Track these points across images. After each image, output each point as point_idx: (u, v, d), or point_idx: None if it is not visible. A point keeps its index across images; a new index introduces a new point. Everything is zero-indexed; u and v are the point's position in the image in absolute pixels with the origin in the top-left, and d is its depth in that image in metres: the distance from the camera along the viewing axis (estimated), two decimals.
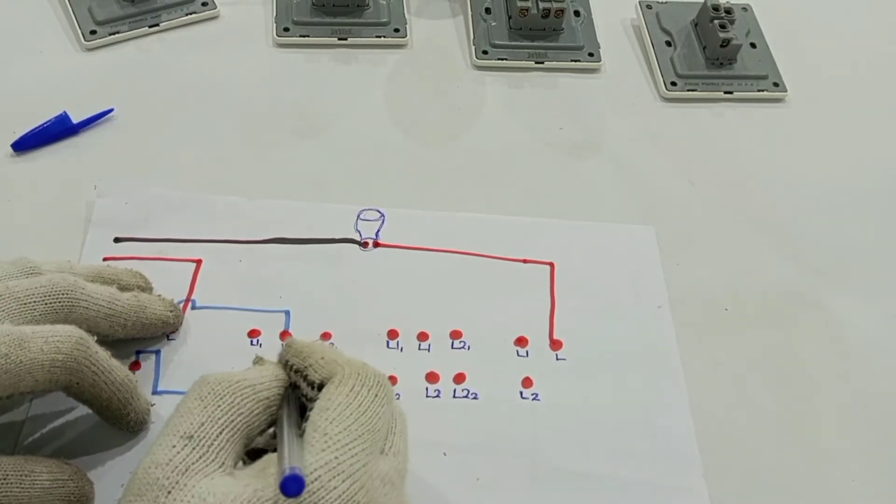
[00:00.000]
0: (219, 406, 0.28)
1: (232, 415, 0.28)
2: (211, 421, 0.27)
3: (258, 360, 0.33)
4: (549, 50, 0.55)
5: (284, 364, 0.31)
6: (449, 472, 0.37)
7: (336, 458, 0.27)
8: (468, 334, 0.41)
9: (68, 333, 0.31)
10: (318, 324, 0.41)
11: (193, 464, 0.26)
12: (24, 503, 0.30)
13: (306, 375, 0.30)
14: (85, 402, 0.34)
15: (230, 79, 0.51)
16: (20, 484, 0.30)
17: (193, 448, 0.26)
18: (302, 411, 0.30)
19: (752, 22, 0.59)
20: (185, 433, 0.27)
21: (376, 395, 0.29)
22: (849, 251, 0.48)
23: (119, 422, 0.35)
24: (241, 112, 0.50)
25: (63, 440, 0.36)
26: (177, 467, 0.26)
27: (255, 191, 0.46)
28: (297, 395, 0.31)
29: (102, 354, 0.33)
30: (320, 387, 0.30)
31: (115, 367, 0.33)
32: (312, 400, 0.30)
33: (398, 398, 0.39)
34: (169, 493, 0.25)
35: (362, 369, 0.30)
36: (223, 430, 0.27)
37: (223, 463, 0.27)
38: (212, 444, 0.27)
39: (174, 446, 0.26)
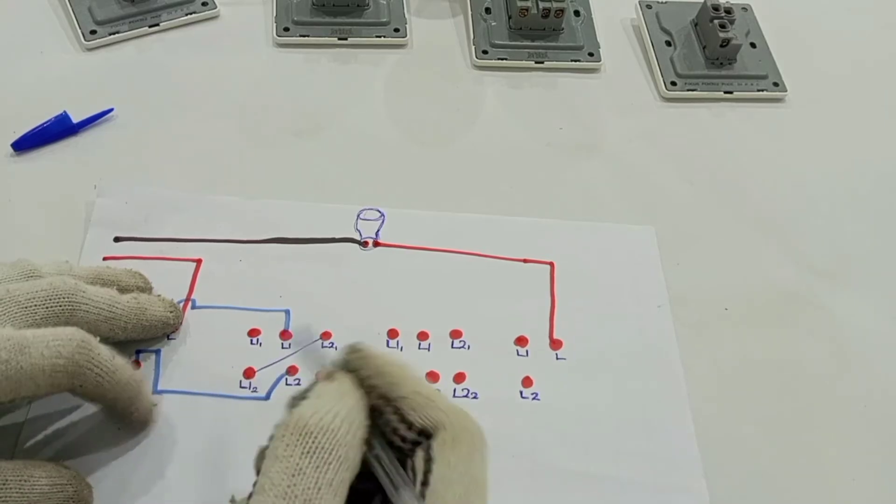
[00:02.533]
0: (329, 465, 0.24)
1: (342, 472, 0.25)
2: (326, 485, 0.24)
3: (329, 376, 0.27)
4: (549, 50, 0.55)
5: (359, 379, 0.27)
6: None
7: None
8: (468, 334, 0.41)
9: (69, 337, 0.31)
10: (318, 323, 0.41)
11: None
12: None
13: (400, 410, 0.26)
14: (91, 402, 0.34)
15: (230, 79, 0.51)
16: (20, 489, 0.30)
17: None
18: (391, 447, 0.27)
19: (752, 22, 0.59)
20: (279, 493, 0.24)
21: (483, 459, 0.26)
22: (849, 251, 0.48)
23: (123, 420, 0.35)
24: (241, 112, 0.50)
25: (62, 442, 0.36)
26: None
27: (255, 191, 0.46)
28: (380, 425, 0.27)
29: (106, 355, 0.32)
30: (420, 431, 0.26)
31: (119, 367, 0.33)
32: (407, 441, 0.26)
33: None
34: None
35: (469, 424, 0.27)
36: (336, 492, 0.24)
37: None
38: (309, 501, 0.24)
39: None
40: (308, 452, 0.24)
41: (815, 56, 0.59)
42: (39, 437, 0.36)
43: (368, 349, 0.28)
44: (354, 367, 0.27)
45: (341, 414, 0.26)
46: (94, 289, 0.35)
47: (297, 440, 0.25)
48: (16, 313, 0.32)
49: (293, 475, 0.24)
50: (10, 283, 0.33)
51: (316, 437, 0.25)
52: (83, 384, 0.32)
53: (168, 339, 0.39)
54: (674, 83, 0.54)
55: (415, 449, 0.26)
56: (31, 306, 0.32)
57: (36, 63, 0.50)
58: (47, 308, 0.33)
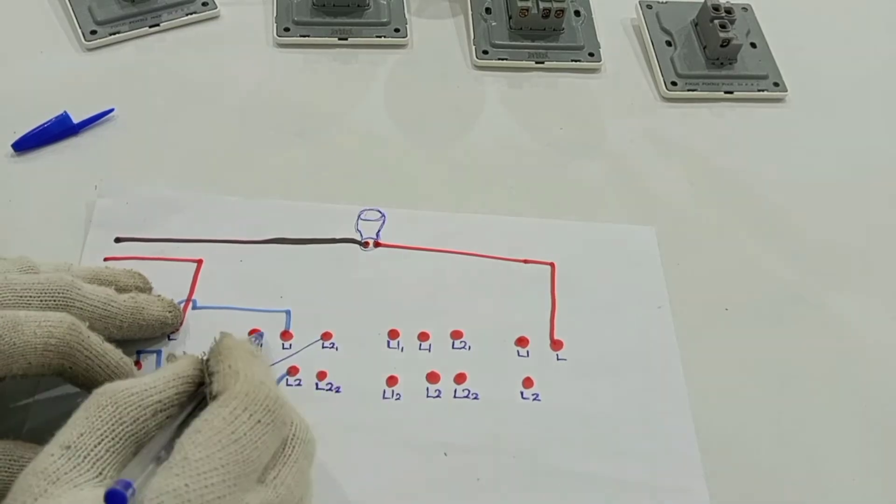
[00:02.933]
0: (100, 417, 0.28)
1: (113, 425, 0.28)
2: (90, 431, 0.28)
3: (169, 357, 0.33)
4: (550, 50, 0.55)
5: (207, 360, 0.31)
6: (449, 472, 0.37)
7: (186, 485, 0.26)
8: (469, 334, 0.41)
9: (60, 319, 0.32)
10: (319, 324, 0.41)
11: (65, 473, 0.26)
12: (10, 487, 0.30)
13: (211, 382, 0.30)
14: (81, 387, 0.34)
15: (230, 79, 0.51)
16: (8, 468, 0.30)
17: (69, 458, 0.27)
18: None
19: (752, 22, 0.59)
20: (63, 443, 0.27)
21: (258, 422, 0.29)
22: (849, 251, 0.48)
23: None
24: (241, 112, 0.50)
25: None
26: (49, 476, 0.26)
27: (255, 191, 0.46)
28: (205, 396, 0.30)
29: (95, 339, 0.33)
30: (215, 398, 0.29)
31: (109, 351, 0.33)
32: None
33: (398, 399, 0.39)
34: (35, 500, 0.26)
35: (253, 390, 0.29)
36: (102, 440, 0.28)
37: (101, 472, 0.27)
38: (88, 454, 0.27)
39: (52, 455, 0.27)
40: (86, 408, 0.28)
41: (815, 56, 0.59)
42: (45, 420, 0.36)
43: (226, 338, 0.32)
44: (208, 351, 0.32)
45: (136, 384, 0.29)
46: (90, 287, 0.35)
47: (85, 400, 0.29)
48: (10, 300, 0.32)
49: (68, 425, 0.28)
50: (8, 274, 0.34)
51: (95, 396, 0.29)
52: (73, 365, 0.32)
53: (168, 339, 0.39)
54: (674, 83, 0.54)
55: None
56: (26, 296, 0.33)
57: (36, 63, 0.50)
58: (42, 301, 0.33)
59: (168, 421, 0.30)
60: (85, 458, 0.27)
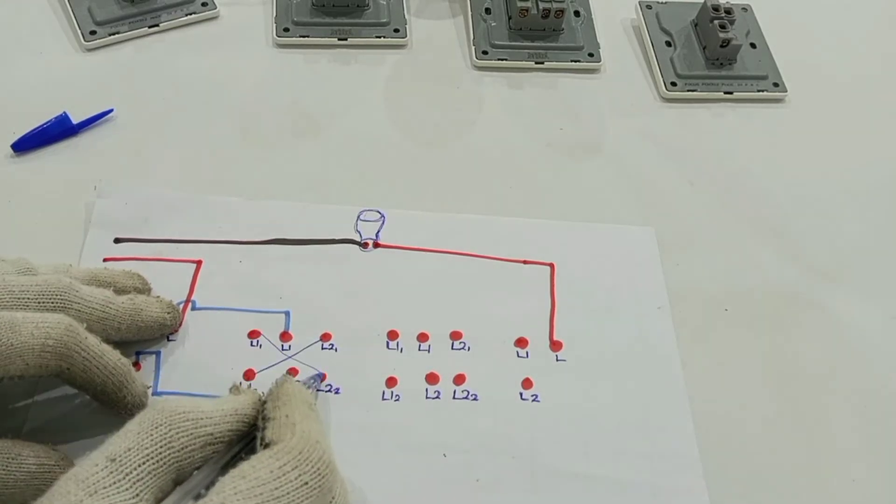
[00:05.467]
0: (150, 435, 0.28)
1: (161, 447, 0.28)
2: (138, 448, 0.27)
3: (233, 389, 0.33)
4: (549, 50, 0.55)
5: (264, 402, 0.31)
6: (449, 472, 0.37)
7: None
8: (468, 335, 0.41)
9: (58, 320, 0.32)
10: (318, 325, 0.41)
11: (105, 487, 0.26)
12: (10, 486, 0.30)
13: (265, 428, 0.30)
14: (79, 388, 0.34)
15: (230, 79, 0.51)
16: (6, 466, 0.30)
17: (111, 472, 0.27)
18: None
19: (752, 22, 0.59)
20: (110, 455, 0.27)
21: (305, 484, 0.28)
22: (849, 251, 0.48)
23: (116, 405, 0.35)
24: (241, 112, 0.50)
25: (67, 427, 0.36)
26: (88, 487, 0.26)
27: (255, 191, 0.46)
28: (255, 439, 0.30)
29: (93, 340, 0.33)
30: (267, 447, 0.29)
31: (107, 352, 0.33)
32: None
33: (398, 400, 0.39)
34: None
35: (308, 448, 0.29)
36: (147, 460, 0.27)
37: (138, 494, 0.27)
38: (131, 472, 0.27)
39: (96, 465, 0.27)
40: (140, 422, 0.28)
41: (815, 56, 0.59)
42: (45, 421, 0.36)
43: (287, 383, 0.32)
44: (268, 393, 0.32)
45: (193, 410, 0.29)
46: (88, 289, 0.35)
47: (142, 412, 0.29)
48: (7, 301, 0.32)
49: (118, 436, 0.28)
50: (6, 275, 0.34)
51: (152, 411, 0.29)
52: (71, 366, 0.32)
53: (168, 340, 0.39)
54: (674, 83, 0.54)
55: None
56: (24, 298, 0.32)
57: (36, 63, 0.50)
58: (39, 302, 0.33)
59: (214, 456, 0.29)
60: (127, 475, 0.27)
